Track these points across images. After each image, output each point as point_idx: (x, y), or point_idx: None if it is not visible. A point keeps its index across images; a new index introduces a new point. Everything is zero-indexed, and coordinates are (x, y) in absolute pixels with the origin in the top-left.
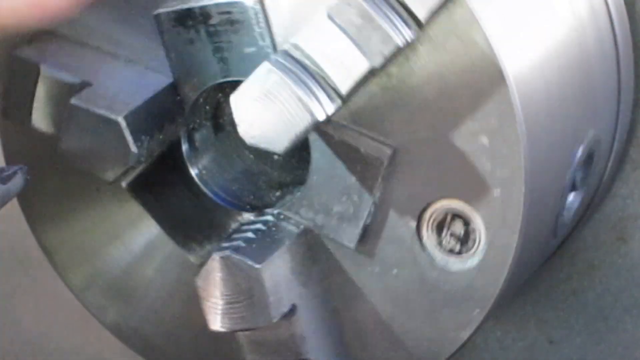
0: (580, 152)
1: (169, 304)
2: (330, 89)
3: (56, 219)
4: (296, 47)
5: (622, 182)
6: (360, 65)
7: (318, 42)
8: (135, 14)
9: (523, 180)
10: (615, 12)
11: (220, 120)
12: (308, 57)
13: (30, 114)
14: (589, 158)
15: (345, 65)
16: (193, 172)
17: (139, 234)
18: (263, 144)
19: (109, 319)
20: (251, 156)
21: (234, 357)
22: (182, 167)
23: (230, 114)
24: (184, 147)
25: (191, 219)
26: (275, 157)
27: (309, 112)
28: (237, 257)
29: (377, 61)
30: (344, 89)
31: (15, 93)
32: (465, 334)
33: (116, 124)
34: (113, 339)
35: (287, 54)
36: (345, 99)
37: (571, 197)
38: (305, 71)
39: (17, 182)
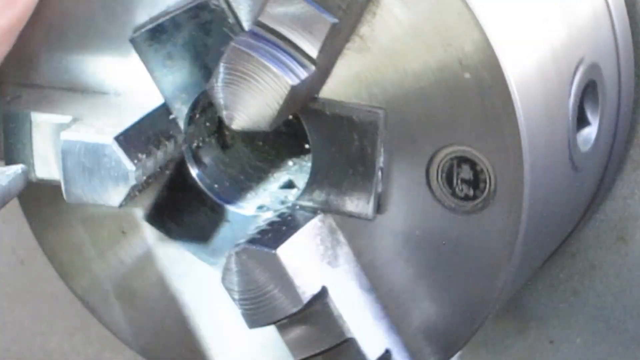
0: (578, 78)
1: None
2: (300, 56)
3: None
4: (259, 24)
5: (622, 182)
6: (322, 25)
7: (279, 14)
8: (114, 47)
9: (514, 106)
10: (616, 12)
11: (225, 136)
12: (272, 31)
13: (33, 167)
14: (592, 88)
15: (309, 29)
16: (206, 188)
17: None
18: (250, 126)
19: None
20: (265, 165)
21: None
22: (194, 186)
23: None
24: (192, 166)
25: (214, 233)
26: (290, 162)
27: (283, 81)
28: (251, 247)
29: (338, 15)
30: (313, 52)
31: (16, 151)
32: (500, 280)
33: (109, 147)
34: (113, 339)
35: (251, 32)
36: (317, 63)
37: (586, 130)
38: (272, 45)
39: (17, 182)
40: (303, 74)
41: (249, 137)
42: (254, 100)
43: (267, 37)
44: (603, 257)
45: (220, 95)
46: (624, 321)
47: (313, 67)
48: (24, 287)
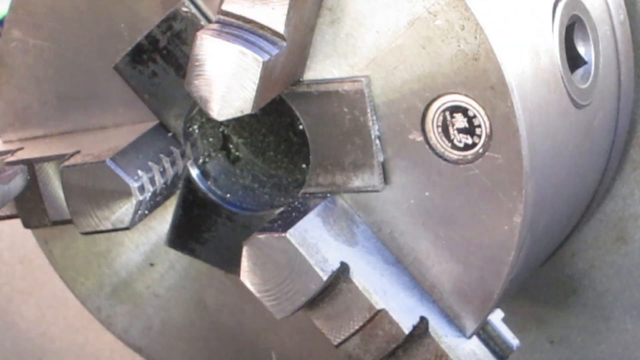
0: (559, 12)
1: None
2: (268, 34)
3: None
4: (223, 12)
5: (622, 182)
6: None
7: None
8: (104, 80)
9: (489, 43)
10: (615, 12)
11: (232, 151)
12: (237, 16)
13: (46, 213)
14: (579, 25)
15: (270, 5)
16: (218, 200)
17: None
18: (233, 113)
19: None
20: (280, 172)
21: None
22: (207, 199)
23: (239, 142)
24: (201, 181)
25: (235, 242)
26: (304, 166)
27: (253, 59)
28: (262, 236)
29: None
30: (279, 27)
31: (26, 201)
32: (517, 218)
33: (106, 167)
34: (113, 339)
35: (217, 22)
36: (287, 38)
37: (583, 68)
38: (238, 29)
39: (17, 182)
40: (274, 51)
41: (259, 149)
42: (229, 85)
43: (233, 22)
44: (603, 257)
45: (196, 89)
46: (624, 321)
47: (284, 43)
48: (23, 287)
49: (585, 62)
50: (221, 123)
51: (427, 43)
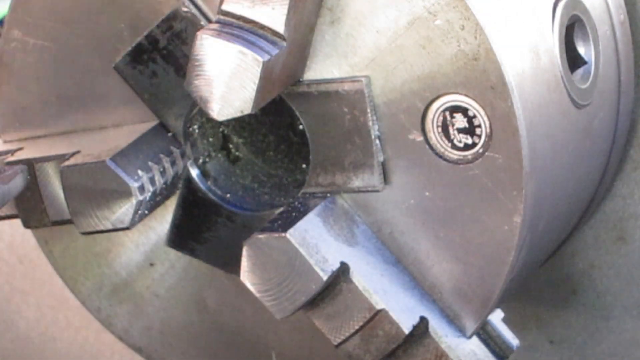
0: (559, 12)
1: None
2: (268, 34)
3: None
4: (223, 12)
5: (622, 182)
6: None
7: None
8: (104, 80)
9: (489, 43)
10: (615, 12)
11: (232, 151)
12: (237, 16)
13: (46, 212)
14: (579, 25)
15: (270, 5)
16: (218, 199)
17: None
18: (233, 113)
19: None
20: (280, 172)
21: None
22: (206, 199)
23: (239, 142)
24: (201, 181)
25: (235, 242)
26: (303, 165)
27: (253, 59)
28: (262, 236)
29: None
30: (279, 27)
31: (26, 201)
32: (517, 218)
33: (106, 167)
34: (113, 339)
35: (217, 22)
36: (286, 38)
37: (583, 68)
38: (238, 29)
39: (17, 182)
40: (274, 51)
41: (259, 149)
42: (229, 85)
43: (233, 22)
44: (603, 257)
45: (196, 89)
46: (624, 321)
47: (283, 43)
48: (23, 287)
49: (585, 62)
50: (221, 123)
51: (427, 43)
